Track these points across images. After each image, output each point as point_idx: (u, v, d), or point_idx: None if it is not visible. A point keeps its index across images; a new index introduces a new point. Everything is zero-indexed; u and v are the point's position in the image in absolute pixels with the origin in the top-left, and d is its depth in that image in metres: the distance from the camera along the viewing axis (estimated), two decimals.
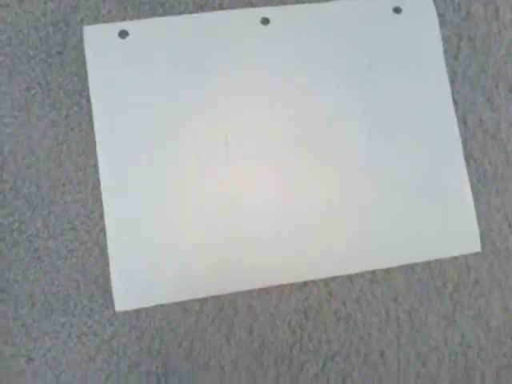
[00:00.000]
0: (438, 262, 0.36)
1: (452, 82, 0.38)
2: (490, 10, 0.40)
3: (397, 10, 0.39)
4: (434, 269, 0.36)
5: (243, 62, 0.37)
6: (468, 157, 0.38)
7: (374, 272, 0.36)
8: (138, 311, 0.34)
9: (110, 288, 0.34)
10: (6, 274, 0.34)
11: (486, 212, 0.37)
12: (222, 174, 0.35)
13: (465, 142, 0.38)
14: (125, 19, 0.37)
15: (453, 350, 0.36)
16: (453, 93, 0.38)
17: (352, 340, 0.35)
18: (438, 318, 0.36)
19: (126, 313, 0.34)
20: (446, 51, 0.39)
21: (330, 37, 0.38)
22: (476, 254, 0.37)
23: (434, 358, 0.36)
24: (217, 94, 0.36)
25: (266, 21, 0.37)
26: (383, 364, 0.35)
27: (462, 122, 0.38)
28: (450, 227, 0.37)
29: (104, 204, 0.34)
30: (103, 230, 0.34)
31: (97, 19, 0.36)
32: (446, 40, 0.39)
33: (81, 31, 0.36)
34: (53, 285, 0.34)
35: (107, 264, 0.34)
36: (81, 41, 0.36)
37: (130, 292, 0.34)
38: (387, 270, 0.36)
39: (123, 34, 0.36)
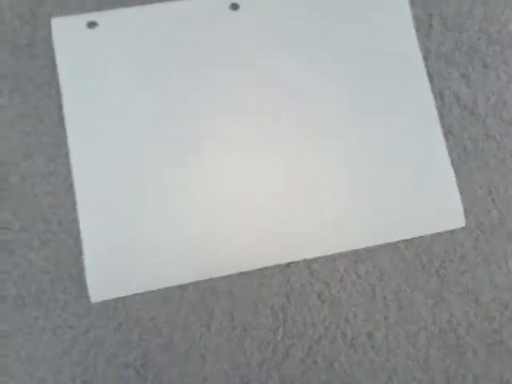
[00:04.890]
0: (423, 238, 0.39)
1: (426, 59, 0.42)
2: None
3: None
4: (418, 246, 0.39)
5: (215, 48, 0.39)
6: (447, 133, 0.40)
7: (356, 251, 0.38)
8: (114, 301, 0.36)
9: (85, 279, 0.36)
10: None
11: (469, 187, 0.40)
12: (198, 158, 0.38)
13: (443, 118, 0.41)
14: (93, 10, 0.40)
15: (442, 329, 0.38)
16: (428, 70, 0.41)
17: (338, 322, 0.37)
18: (426, 297, 0.38)
19: (102, 303, 0.36)
20: (417, 29, 0.42)
21: (301, 18, 0.41)
22: (461, 229, 0.39)
23: (424, 338, 0.37)
24: (189, 80, 0.39)
25: (235, 6, 0.41)
26: (372, 346, 0.37)
27: (440, 98, 0.41)
28: (433, 204, 0.39)
29: (76, 194, 0.36)
30: (76, 221, 0.36)
31: (65, 11, 0.39)
32: (416, 18, 0.42)
33: (49, 23, 0.39)
34: (25, 278, 0.36)
35: (81, 254, 0.36)
36: (50, 33, 0.39)
37: (105, 282, 0.35)
38: (370, 249, 0.38)
39: (92, 24, 0.39)
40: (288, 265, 0.37)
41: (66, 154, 0.37)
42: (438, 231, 0.39)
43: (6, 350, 0.35)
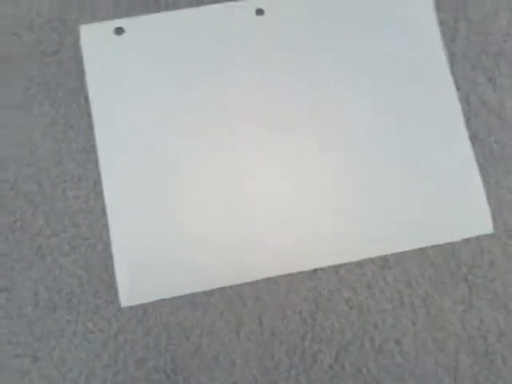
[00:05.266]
0: (451, 244, 0.39)
1: (452, 63, 0.42)
2: None
3: None
4: (446, 252, 0.39)
5: (240, 53, 0.40)
6: (473, 137, 0.41)
7: (384, 257, 0.38)
8: (143, 306, 0.37)
9: (115, 283, 0.36)
10: (9, 272, 0.37)
11: (497, 192, 0.40)
12: (226, 162, 0.38)
13: (469, 122, 0.41)
14: (120, 17, 0.41)
15: (471, 335, 0.38)
16: (453, 74, 0.42)
17: (366, 328, 0.38)
18: (454, 303, 0.38)
19: (131, 308, 0.36)
20: (443, 33, 0.42)
21: (327, 23, 0.41)
22: (489, 235, 0.39)
23: (453, 344, 0.38)
24: (215, 85, 0.40)
25: (260, 12, 0.41)
26: (400, 352, 0.37)
27: (466, 102, 0.41)
28: (460, 209, 0.39)
29: (106, 199, 0.37)
30: (106, 225, 0.37)
31: (92, 17, 0.40)
32: (442, 23, 0.43)
33: (76, 30, 0.40)
34: (56, 282, 0.37)
35: (111, 259, 0.37)
36: (77, 39, 0.40)
37: (135, 287, 0.36)
38: (398, 255, 0.39)
39: (119, 31, 0.40)
40: (315, 271, 0.38)
41: (96, 159, 0.38)
42: (465, 237, 0.39)
43: (40, 352, 0.36)
